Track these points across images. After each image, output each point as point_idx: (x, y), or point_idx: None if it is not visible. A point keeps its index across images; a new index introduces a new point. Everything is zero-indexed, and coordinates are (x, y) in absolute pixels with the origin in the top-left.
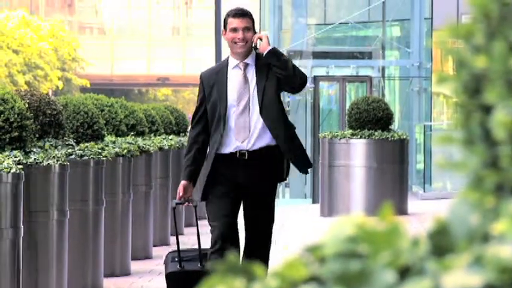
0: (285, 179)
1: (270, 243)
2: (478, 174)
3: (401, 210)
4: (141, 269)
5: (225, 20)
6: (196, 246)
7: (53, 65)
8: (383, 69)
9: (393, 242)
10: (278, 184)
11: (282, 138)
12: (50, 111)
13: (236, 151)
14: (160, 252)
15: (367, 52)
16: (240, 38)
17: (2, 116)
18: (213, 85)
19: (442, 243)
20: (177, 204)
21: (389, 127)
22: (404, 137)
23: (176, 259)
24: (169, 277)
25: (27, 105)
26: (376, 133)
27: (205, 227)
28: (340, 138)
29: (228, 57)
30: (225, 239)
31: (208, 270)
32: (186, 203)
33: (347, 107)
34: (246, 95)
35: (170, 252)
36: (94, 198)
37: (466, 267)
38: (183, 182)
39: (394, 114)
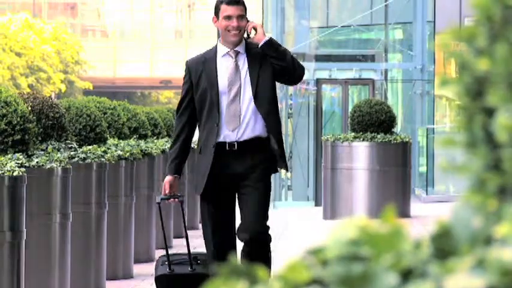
0: (284, 168)
1: (269, 243)
2: (481, 177)
3: (404, 213)
4: (144, 271)
5: (216, 6)
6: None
7: (56, 67)
8: (386, 72)
9: (396, 244)
10: (281, 187)
11: (275, 131)
12: (52, 114)
13: (225, 141)
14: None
15: (369, 55)
16: (234, 26)
17: (4, 119)
18: (201, 73)
19: (444, 246)
20: (162, 199)
21: (392, 130)
22: (407, 139)
23: (166, 262)
24: (159, 280)
25: (29, 108)
26: (378, 136)
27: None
28: (343, 141)
29: (216, 45)
30: (221, 247)
31: (198, 274)
32: (172, 199)
33: (350, 109)
34: (237, 82)
35: (161, 256)
36: (97, 201)
37: (469, 270)
38: (168, 177)
39: (396, 117)
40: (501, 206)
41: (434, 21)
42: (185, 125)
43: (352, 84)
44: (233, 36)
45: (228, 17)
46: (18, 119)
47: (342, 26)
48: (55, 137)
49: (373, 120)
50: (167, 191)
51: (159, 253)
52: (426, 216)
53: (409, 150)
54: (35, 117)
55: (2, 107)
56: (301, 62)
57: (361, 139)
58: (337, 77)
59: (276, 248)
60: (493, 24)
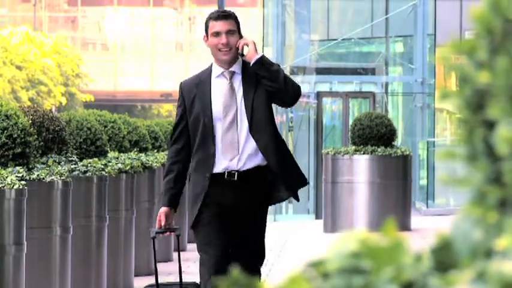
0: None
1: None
2: (481, 189)
3: (405, 226)
4: (144, 285)
5: (206, 23)
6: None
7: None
8: (386, 85)
9: (396, 257)
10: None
11: (275, 162)
12: (53, 128)
13: (224, 171)
14: (164, 269)
15: (370, 68)
16: (224, 43)
17: (5, 132)
18: (194, 96)
19: (445, 259)
20: (157, 233)
21: (393, 143)
22: (408, 153)
23: None
24: None
25: (30, 122)
26: (379, 149)
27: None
28: (343, 154)
29: (211, 65)
30: (216, 272)
31: None
32: (168, 232)
33: (350, 123)
34: (233, 107)
35: (148, 285)
36: (97, 214)
37: (469, 283)
38: (163, 209)
39: (397, 130)
40: (501, 219)
41: (434, 35)
42: (180, 152)
43: (352, 97)
44: (224, 55)
45: (217, 34)
46: (19, 132)
47: (342, 39)
48: (55, 150)
49: (374, 134)
50: (162, 224)
51: (160, 266)
52: (427, 229)
53: (409, 163)
54: (35, 131)
55: (3, 120)
56: (301, 75)
57: (362, 152)
58: (337, 90)
59: (276, 261)
60: (494, 37)
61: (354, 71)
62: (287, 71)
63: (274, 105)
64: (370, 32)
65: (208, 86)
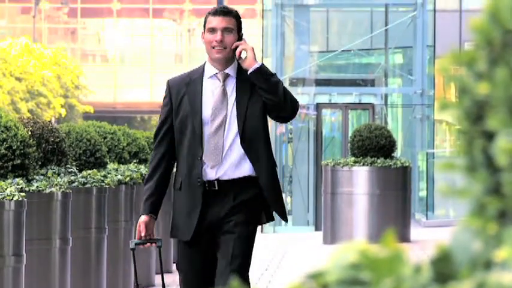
0: (280, 216)
1: None
2: (481, 201)
3: (404, 238)
4: None
5: (204, 19)
6: None
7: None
8: (386, 96)
9: (396, 269)
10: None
11: (265, 175)
12: (52, 139)
13: (204, 180)
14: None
15: (369, 79)
16: (218, 40)
17: (4, 143)
18: (183, 96)
19: (444, 270)
20: (136, 244)
21: (392, 154)
22: (407, 164)
23: None
24: None
25: (29, 133)
26: (378, 160)
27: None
28: (343, 166)
29: (204, 64)
30: None
31: None
32: (148, 244)
33: (350, 134)
34: (222, 111)
35: None
36: (96, 225)
37: None
38: (143, 217)
39: (396, 142)
40: (501, 230)
41: (434, 46)
42: (163, 156)
43: (352, 108)
44: (217, 53)
45: (212, 30)
46: (18, 144)
47: (342, 51)
48: (55, 161)
49: (373, 145)
50: (142, 234)
51: (159, 278)
52: (426, 240)
53: (409, 174)
54: (35, 142)
55: (2, 131)
56: (301, 87)
57: (361, 164)
58: (337, 102)
59: (275, 272)
60: (493, 48)
61: (354, 83)
62: (286, 82)
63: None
64: (369, 43)
65: (200, 87)
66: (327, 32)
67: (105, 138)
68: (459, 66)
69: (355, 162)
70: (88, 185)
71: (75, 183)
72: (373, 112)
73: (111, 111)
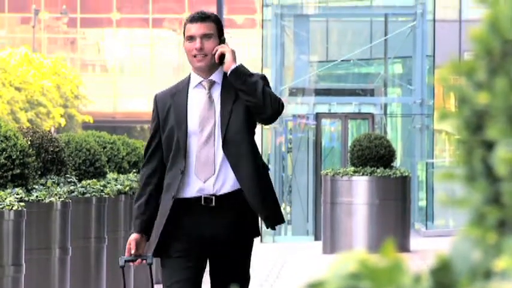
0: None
1: None
2: (480, 210)
3: (404, 248)
4: None
5: (183, 27)
6: None
7: (56, 102)
8: (385, 106)
9: (395, 278)
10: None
11: (247, 183)
12: (52, 149)
13: (200, 195)
14: None
15: (369, 89)
16: (197, 48)
17: (4, 153)
18: (169, 108)
19: (444, 279)
20: (126, 261)
21: (392, 164)
22: (407, 174)
23: None
24: None
25: (29, 143)
26: (378, 170)
27: None
28: (343, 176)
29: (190, 74)
30: None
31: None
32: (138, 261)
33: (349, 144)
34: (210, 120)
35: None
36: (96, 235)
37: None
38: (134, 235)
39: (396, 152)
40: (501, 240)
41: (433, 56)
42: (153, 173)
43: (351, 118)
44: (198, 61)
45: (191, 38)
46: (18, 153)
47: (341, 60)
48: (54, 171)
49: (373, 155)
50: (132, 251)
51: None
52: (426, 250)
53: (408, 184)
54: (34, 152)
55: (2, 141)
56: (300, 97)
57: (361, 173)
58: (336, 111)
59: (275, 282)
60: (493, 57)
61: (353, 92)
62: (286, 92)
63: (271, 126)
64: (369, 53)
65: (185, 97)
66: (327, 41)
67: (104, 148)
68: (459, 76)
69: (354, 172)
70: (87, 195)
71: (75, 193)
72: (373, 122)
73: (110, 121)
